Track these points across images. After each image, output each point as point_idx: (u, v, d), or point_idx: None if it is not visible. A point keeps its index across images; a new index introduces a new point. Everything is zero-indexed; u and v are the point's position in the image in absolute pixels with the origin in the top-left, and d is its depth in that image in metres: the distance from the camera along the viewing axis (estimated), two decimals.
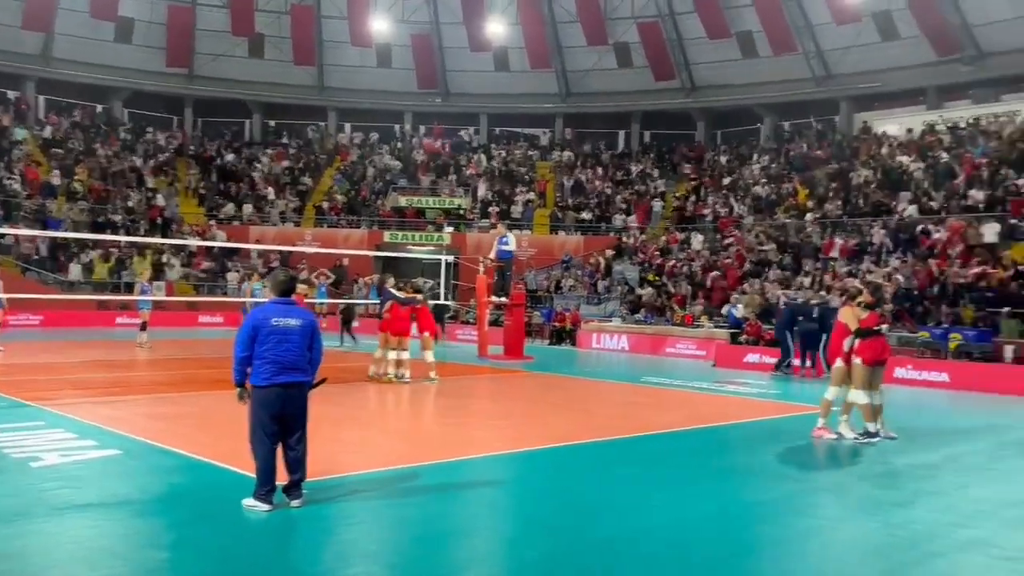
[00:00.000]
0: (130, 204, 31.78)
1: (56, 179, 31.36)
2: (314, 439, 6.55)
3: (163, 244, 28.87)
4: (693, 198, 32.27)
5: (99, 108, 37.02)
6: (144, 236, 28.53)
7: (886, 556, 5.53)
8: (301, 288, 14.25)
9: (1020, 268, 19.65)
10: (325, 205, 34.30)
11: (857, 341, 9.74)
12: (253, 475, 6.45)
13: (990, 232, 22.02)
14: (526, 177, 35.61)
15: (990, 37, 28.57)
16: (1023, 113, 27.60)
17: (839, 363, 9.91)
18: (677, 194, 33.15)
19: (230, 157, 36.95)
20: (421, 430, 10.54)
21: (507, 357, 19.16)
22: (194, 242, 28.74)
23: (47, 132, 34.11)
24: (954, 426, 11.68)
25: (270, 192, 34.61)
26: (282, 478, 6.25)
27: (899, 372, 16.30)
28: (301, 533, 5.80)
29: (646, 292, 26.11)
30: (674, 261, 27.62)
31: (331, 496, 6.58)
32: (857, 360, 9.69)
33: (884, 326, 9.92)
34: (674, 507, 6.65)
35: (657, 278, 26.93)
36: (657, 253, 28.70)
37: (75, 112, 36.06)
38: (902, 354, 17.21)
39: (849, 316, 9.90)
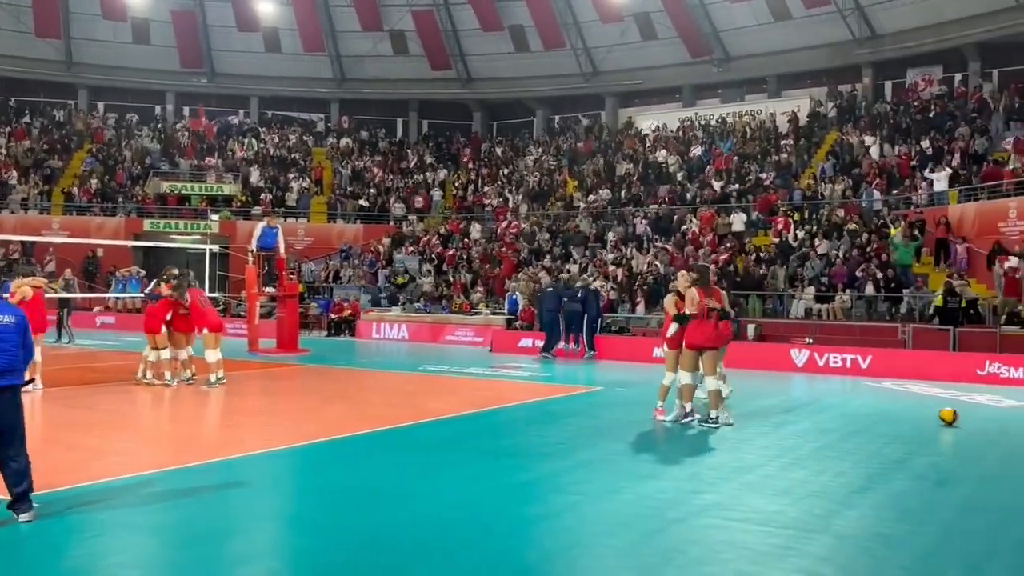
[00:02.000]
0: None
1: None
2: (53, 446, 5.96)
3: None
4: (471, 188, 32.77)
5: None
6: None
7: (632, 526, 5.85)
8: (39, 282, 12.71)
9: (762, 255, 21.67)
10: (76, 191, 31.44)
11: (676, 326, 9.91)
12: None
13: (738, 222, 24.12)
14: (301, 163, 34.56)
15: (736, 42, 31.21)
16: (763, 113, 30.44)
17: (665, 348, 10.17)
18: (456, 183, 33.51)
19: None
20: (180, 432, 9.91)
21: (280, 351, 18.50)
22: None
23: None
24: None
25: (12, 176, 31.21)
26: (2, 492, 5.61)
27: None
28: (33, 550, 5.23)
29: (426, 281, 26.21)
30: (453, 250, 27.92)
31: (71, 507, 6.00)
32: (681, 346, 9.83)
33: (712, 308, 9.57)
34: (443, 492, 6.68)
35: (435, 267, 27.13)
36: (437, 242, 28.89)
37: None
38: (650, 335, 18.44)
39: (669, 303, 10.30)
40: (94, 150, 33.79)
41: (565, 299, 18.39)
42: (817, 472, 7.64)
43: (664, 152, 29.93)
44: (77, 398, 11.60)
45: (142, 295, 12.99)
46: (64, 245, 26.22)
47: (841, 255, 20.35)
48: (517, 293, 22.31)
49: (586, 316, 18.21)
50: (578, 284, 19.14)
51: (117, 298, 26.24)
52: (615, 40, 32.86)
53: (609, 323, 19.85)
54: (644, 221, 25.65)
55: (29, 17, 33.10)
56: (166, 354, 12.80)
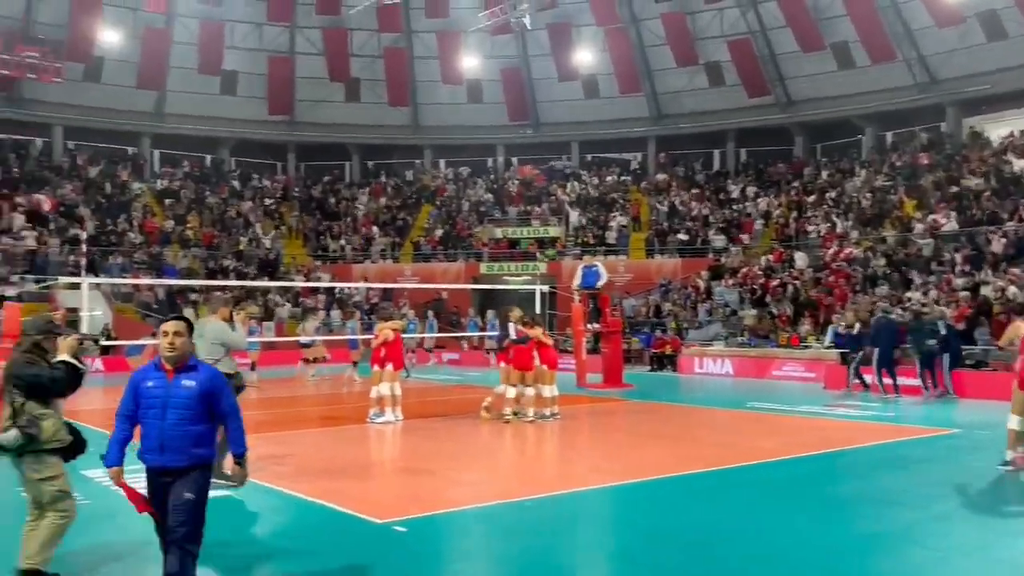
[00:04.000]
0: (240, 248, 33.16)
1: (170, 228, 33.05)
2: (411, 475, 6.59)
3: (270, 286, 29.92)
4: (795, 215, 31.40)
5: (208, 158, 38.89)
6: (253, 279, 29.69)
7: None
8: (398, 324, 14.13)
9: None
10: (423, 240, 34.97)
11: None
12: (361, 514, 6.55)
13: None
14: (620, 202, 35.44)
15: None
16: None
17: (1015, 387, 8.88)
18: (778, 212, 32.33)
19: (331, 199, 38.21)
20: (516, 464, 10.50)
21: (606, 386, 18.97)
22: (299, 284, 29.72)
23: (162, 184, 36.03)
24: None
25: (371, 230, 35.53)
26: None
27: None
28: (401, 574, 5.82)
29: (749, 314, 25.46)
30: (777, 280, 26.87)
31: (427, 534, 6.60)
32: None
33: None
34: (781, 540, 6.39)
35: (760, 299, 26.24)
36: (759, 273, 27.99)
37: (185, 163, 37.99)
38: None
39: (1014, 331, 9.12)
40: (437, 203, 37.40)
41: (918, 334, 16.80)
42: None
43: (1022, 163, 26.46)
44: (431, 429, 12.77)
45: (502, 338, 13.38)
46: (415, 290, 29.30)
47: None
48: (841, 324, 20.76)
49: (947, 354, 16.49)
50: (934, 317, 17.35)
51: (456, 337, 28.53)
52: (954, 45, 29.84)
53: (964, 356, 17.83)
54: (1002, 240, 22.80)
55: (384, 89, 37.70)
56: (529, 391, 13.09)
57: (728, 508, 7.53)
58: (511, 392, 13.16)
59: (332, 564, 5.94)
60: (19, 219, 29.90)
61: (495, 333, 25.00)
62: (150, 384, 4.73)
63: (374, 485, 8.82)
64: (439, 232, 35.18)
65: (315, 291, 31.55)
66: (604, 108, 37.42)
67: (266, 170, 39.83)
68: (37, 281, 25.89)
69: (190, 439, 4.66)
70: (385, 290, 31.01)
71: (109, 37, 32.96)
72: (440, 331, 27.80)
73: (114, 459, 4.73)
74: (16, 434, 5.08)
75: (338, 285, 31.24)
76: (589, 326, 19.82)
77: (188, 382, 4.70)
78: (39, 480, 5.21)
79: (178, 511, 4.63)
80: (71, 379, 5.30)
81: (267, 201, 37.18)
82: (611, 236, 33.20)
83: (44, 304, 23.92)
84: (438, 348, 28.63)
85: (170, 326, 4.75)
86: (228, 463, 8.39)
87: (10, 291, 25.29)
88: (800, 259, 27.92)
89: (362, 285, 31.13)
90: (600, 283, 19.59)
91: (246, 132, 38.24)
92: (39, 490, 5.22)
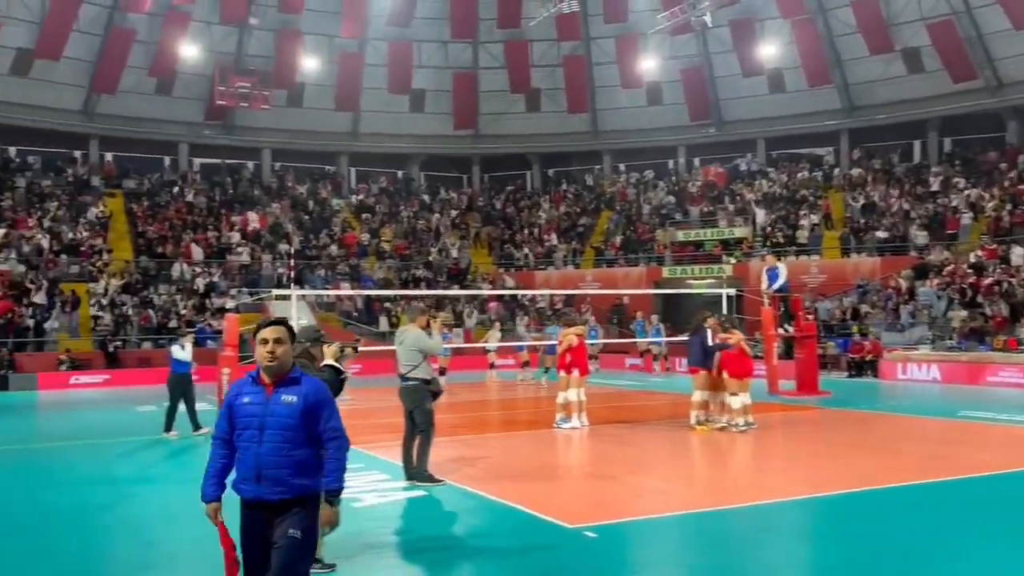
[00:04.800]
0: (430, 259, 34.62)
1: (367, 241, 35.06)
2: (597, 481, 6.64)
3: (459, 295, 31.00)
4: (1009, 207, 28.80)
5: (399, 173, 40.87)
6: (443, 288, 30.92)
7: None
8: (582, 330, 14.19)
9: None
10: (603, 246, 35.03)
11: None
12: (551, 518, 6.68)
13: None
14: (810, 199, 33.90)
15: None
16: None
17: None
18: (990, 204, 29.76)
19: (514, 208, 39.12)
20: (704, 473, 10.31)
21: (800, 393, 18.20)
22: (485, 291, 30.63)
23: (358, 199, 38.27)
24: None
25: (552, 238, 36.02)
26: None
27: None
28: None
29: (958, 315, 23.61)
30: (991, 279, 24.75)
31: (618, 541, 6.63)
32: None
33: None
34: (1005, 561, 5.91)
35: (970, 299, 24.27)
36: (968, 271, 25.89)
37: (380, 179, 40.13)
38: None
39: None
40: (618, 208, 37.36)
41: None
42: None
43: None
44: (617, 435, 12.78)
45: (704, 347, 12.90)
46: (596, 295, 29.40)
47: None
48: None
49: None
50: None
51: (634, 342, 28.32)
52: None
53: None
54: None
55: (563, 98, 38.16)
56: (737, 400, 12.60)
57: (945, 523, 7.05)
58: (736, 401, 12.64)
59: (528, 567, 6.10)
60: (235, 236, 32.74)
61: (660, 339, 24.74)
62: (246, 401, 4.05)
63: (562, 490, 8.96)
64: (620, 237, 35.11)
65: (500, 298, 32.36)
66: (791, 103, 35.96)
67: (452, 183, 41.35)
68: (251, 293, 28.21)
69: (292, 466, 3.94)
70: (567, 296, 31.33)
71: (309, 64, 35.44)
72: (620, 337, 27.74)
73: (210, 493, 4.10)
74: None
75: (521, 292, 31.92)
76: (780, 330, 19.11)
77: (289, 397, 4.01)
78: None
79: (281, 553, 3.89)
80: (337, 382, 6.02)
81: (453, 213, 38.59)
82: (802, 235, 31.83)
83: (258, 314, 26.05)
84: (621, 353, 28.54)
85: (269, 332, 4.07)
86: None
87: (229, 303, 27.72)
88: (1017, 255, 25.60)
89: (544, 292, 31.65)
90: (777, 285, 18.83)
91: (434, 147, 39.91)
92: None
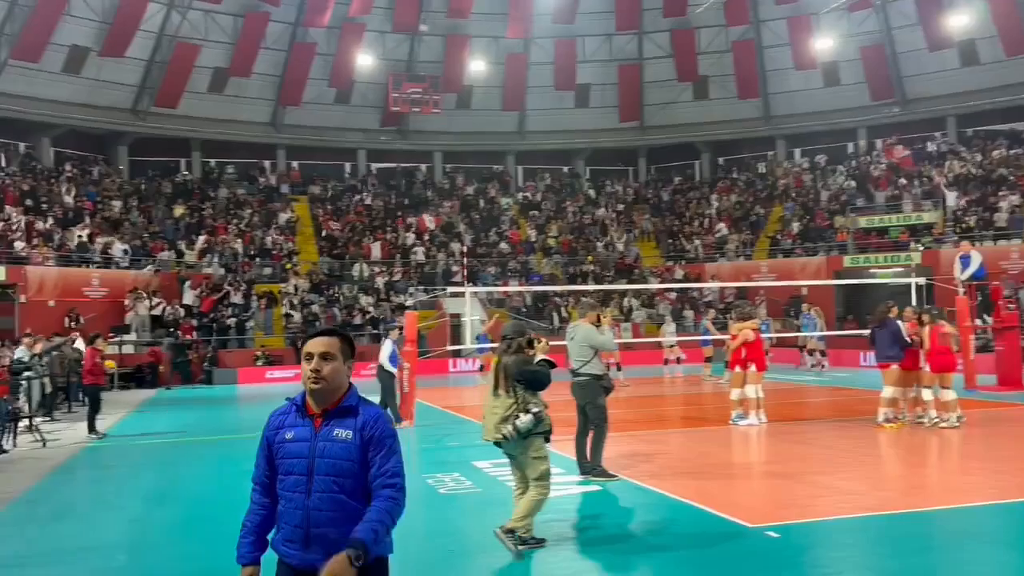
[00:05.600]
0: (597, 253, 34.64)
1: (534, 237, 35.53)
2: (778, 480, 6.42)
3: (627, 289, 30.81)
4: None
5: (565, 169, 41.11)
6: (611, 283, 30.84)
7: None
8: (757, 323, 13.70)
9: None
10: (779, 235, 33.73)
11: None
12: (731, 517, 6.56)
13: None
14: (1010, 179, 31.17)
15: None
16: None
17: None
18: None
19: (682, 199, 38.42)
20: (895, 472, 9.72)
21: (1002, 388, 16.81)
22: (654, 285, 30.26)
23: (525, 197, 38.84)
24: None
25: (723, 228, 35.09)
26: None
27: None
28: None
29: None
30: None
31: (804, 542, 6.39)
32: None
33: None
34: None
35: None
36: None
37: (546, 176, 40.52)
38: None
39: None
40: (793, 195, 35.86)
41: None
42: None
43: None
44: (797, 433, 12.30)
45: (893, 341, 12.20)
46: (772, 287, 28.35)
47: None
48: None
49: None
50: None
51: (808, 334, 27.06)
52: None
53: None
54: None
55: (732, 84, 37.08)
56: (949, 393, 11.98)
57: None
58: (948, 394, 12.01)
59: (708, 565, 6.00)
60: (411, 237, 34.09)
61: (813, 332, 23.13)
62: (288, 437, 3.13)
63: (741, 488, 8.73)
64: (796, 225, 33.69)
65: (669, 292, 31.90)
66: (986, 75, 33.20)
67: (618, 176, 41.13)
68: (427, 291, 29.26)
69: (351, 523, 2.99)
70: (740, 288, 30.42)
71: (476, 67, 36.32)
72: (799, 331, 26.59)
73: (247, 553, 3.22)
74: (530, 419, 6.14)
75: (692, 286, 31.28)
76: (978, 321, 17.73)
77: (343, 432, 3.07)
78: (535, 458, 6.31)
79: None
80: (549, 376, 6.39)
81: (620, 206, 38.38)
82: (1000, 218, 29.33)
83: (433, 311, 27.01)
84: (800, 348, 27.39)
85: (316, 344, 3.11)
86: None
87: (408, 301, 28.90)
88: None
89: (714, 285, 30.87)
90: (970, 272, 17.43)
91: (599, 141, 39.83)
92: (534, 467, 6.29)
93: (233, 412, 19.50)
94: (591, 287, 28.69)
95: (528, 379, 6.26)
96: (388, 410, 13.85)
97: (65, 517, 8.25)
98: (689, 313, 30.48)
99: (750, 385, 12.88)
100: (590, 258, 34.00)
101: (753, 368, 12.92)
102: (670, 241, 36.04)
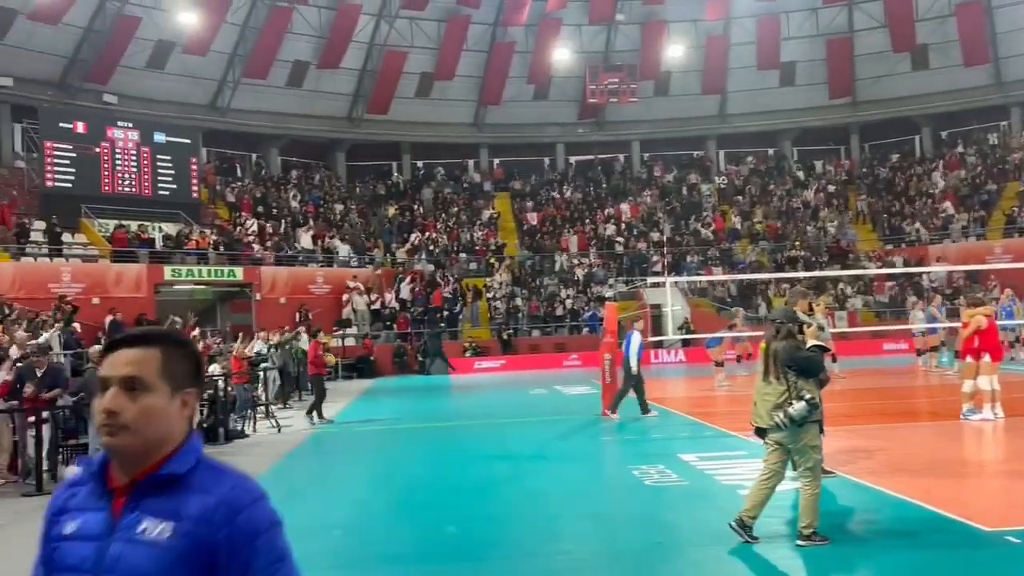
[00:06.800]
0: (806, 238, 33.01)
1: (738, 224, 34.42)
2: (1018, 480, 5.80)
3: (841, 275, 29.12)
4: None
5: (770, 151, 39.48)
6: (823, 269, 29.28)
7: None
8: (990, 310, 12.52)
9: None
10: (1016, 212, 30.60)
11: None
12: (965, 519, 6.09)
13: None
14: None
15: None
16: None
17: None
18: None
19: (900, 177, 35.79)
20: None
21: None
22: (871, 271, 28.36)
23: (726, 182, 37.71)
24: None
25: (948, 207, 32.34)
26: None
27: None
28: None
29: None
30: None
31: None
32: None
33: None
34: None
35: None
36: None
37: (749, 159, 39.11)
38: None
39: None
40: None
41: None
42: None
43: None
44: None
45: None
46: (1008, 270, 25.71)
47: None
48: None
49: None
50: None
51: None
52: None
53: None
54: None
55: (956, 50, 34.05)
56: None
57: None
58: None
59: (940, 569, 5.58)
60: (609, 228, 34.10)
61: (932, 323, 20.23)
62: (68, 532, 1.68)
63: (974, 488, 8.02)
64: None
65: (890, 277, 29.83)
66: None
67: (828, 156, 39.01)
68: (627, 281, 29.18)
69: None
70: (969, 272, 27.91)
71: (674, 52, 35.67)
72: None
73: None
74: (804, 406, 5.94)
75: (916, 270, 29.03)
76: None
77: (157, 526, 1.62)
78: (811, 447, 6.12)
79: None
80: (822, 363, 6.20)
81: (830, 188, 36.36)
82: None
83: (633, 302, 26.88)
84: None
85: (117, 363, 1.69)
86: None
87: (608, 292, 28.97)
88: None
89: (940, 268, 28.45)
90: None
91: (807, 120, 37.91)
92: (808, 456, 6.10)
93: (444, 401, 20.40)
94: (801, 274, 27.40)
95: (800, 365, 6.05)
96: (638, 403, 13.67)
97: (298, 497, 8.98)
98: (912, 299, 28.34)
99: (983, 376, 11.79)
100: (798, 243, 32.46)
101: (987, 358, 11.82)
102: (887, 223, 33.70)
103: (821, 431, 6.19)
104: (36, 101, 27.40)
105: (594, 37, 36.27)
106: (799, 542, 5.99)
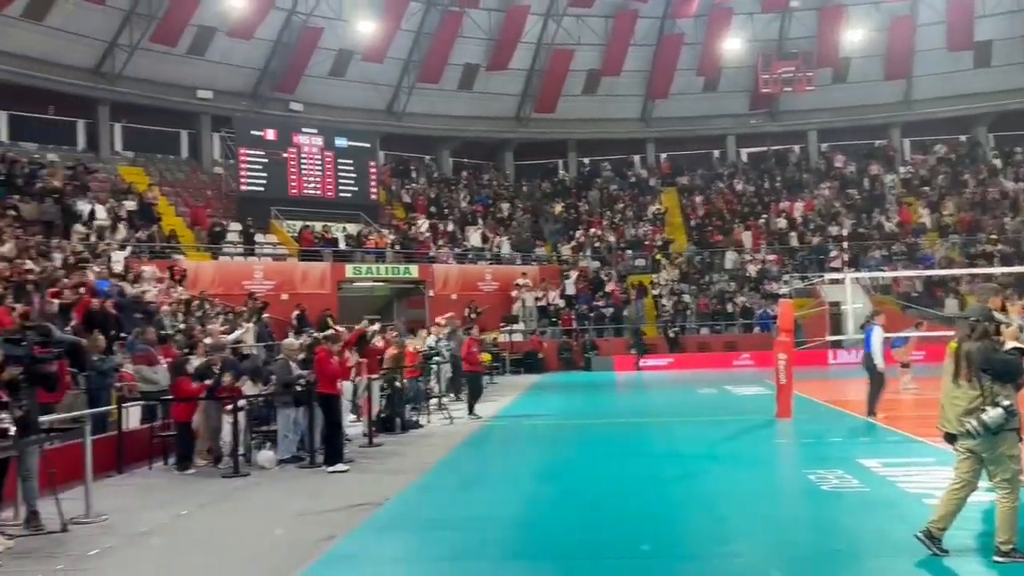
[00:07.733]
0: (1003, 232, 30.42)
1: (925, 217, 32.20)
2: None
3: None
4: None
5: (963, 139, 36.66)
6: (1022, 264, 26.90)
7: None
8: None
9: None
10: None
11: None
12: None
13: None
14: None
15: None
16: None
17: None
18: None
19: None
20: None
21: None
22: None
23: (911, 172, 35.33)
24: None
25: None
26: None
27: None
28: None
29: None
30: None
31: None
32: None
33: None
34: None
35: None
36: None
37: (937, 148, 36.46)
38: None
39: None
40: None
41: None
42: None
43: None
44: None
45: None
46: None
47: None
48: None
49: None
50: None
51: None
52: None
53: None
54: None
55: None
56: None
57: None
58: None
59: None
60: (783, 222, 32.82)
61: None
62: None
63: None
64: None
65: None
66: None
67: None
68: (803, 278, 28.01)
69: None
70: None
71: (853, 37, 33.82)
72: None
73: None
74: (1000, 413, 5.54)
75: None
76: None
77: None
78: (1008, 456, 5.69)
79: None
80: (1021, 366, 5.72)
81: None
82: None
83: (809, 299, 25.78)
84: None
85: None
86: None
87: (783, 289, 27.94)
88: None
89: None
90: None
91: (1006, 104, 34.81)
92: (1005, 466, 5.68)
93: (610, 397, 20.37)
94: (997, 269, 25.30)
95: (997, 369, 5.61)
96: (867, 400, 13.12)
97: (470, 488, 9.26)
98: None
99: None
100: (994, 237, 29.96)
101: None
102: None
103: (1020, 439, 5.71)
104: (232, 111, 29.63)
105: (767, 25, 34.94)
106: (996, 558, 5.56)
